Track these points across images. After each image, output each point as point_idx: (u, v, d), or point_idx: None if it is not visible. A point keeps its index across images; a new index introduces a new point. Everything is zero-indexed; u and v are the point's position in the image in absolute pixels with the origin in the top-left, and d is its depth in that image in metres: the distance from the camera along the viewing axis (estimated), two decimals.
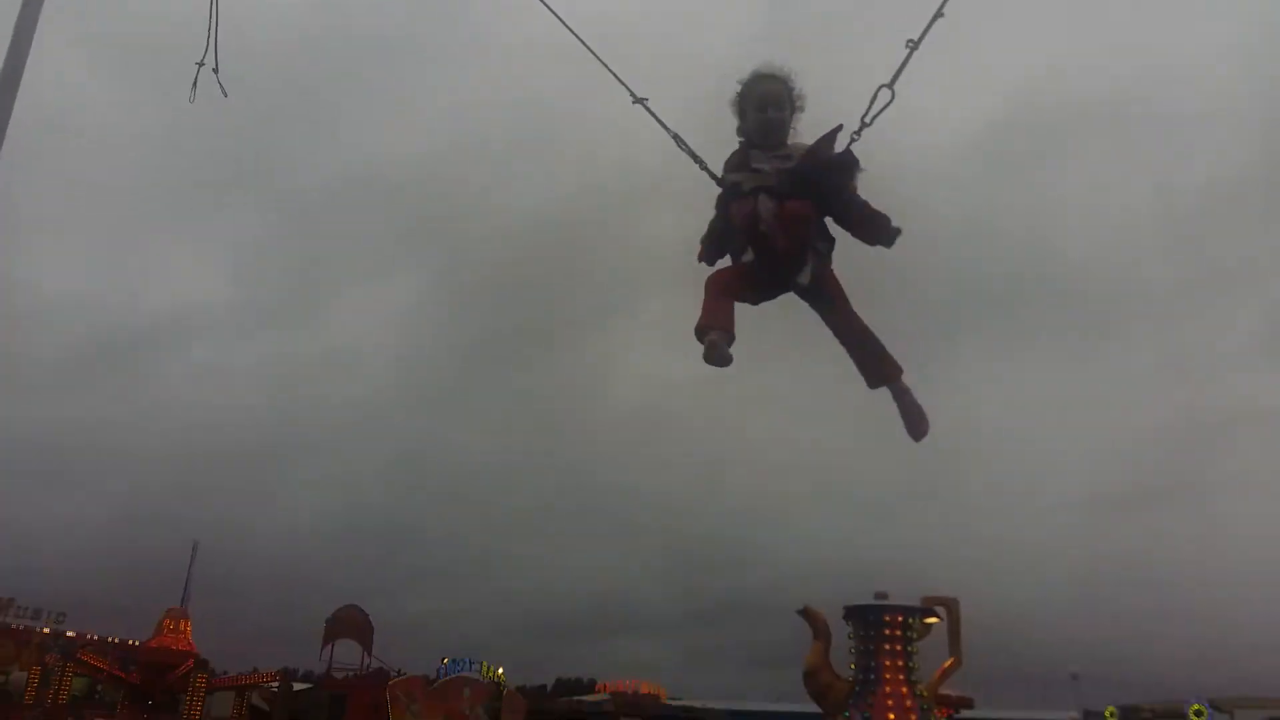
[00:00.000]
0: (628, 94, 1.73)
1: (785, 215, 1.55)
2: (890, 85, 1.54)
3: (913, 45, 1.55)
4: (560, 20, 1.86)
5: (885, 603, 8.84)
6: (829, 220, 1.62)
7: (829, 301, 1.61)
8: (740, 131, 1.69)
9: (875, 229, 1.58)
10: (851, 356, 1.61)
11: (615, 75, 1.74)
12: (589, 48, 1.80)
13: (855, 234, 1.60)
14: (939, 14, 1.55)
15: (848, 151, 1.56)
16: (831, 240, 1.63)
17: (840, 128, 1.58)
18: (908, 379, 1.60)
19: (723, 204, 1.66)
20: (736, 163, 1.66)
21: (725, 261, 1.66)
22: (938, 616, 8.95)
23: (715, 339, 1.51)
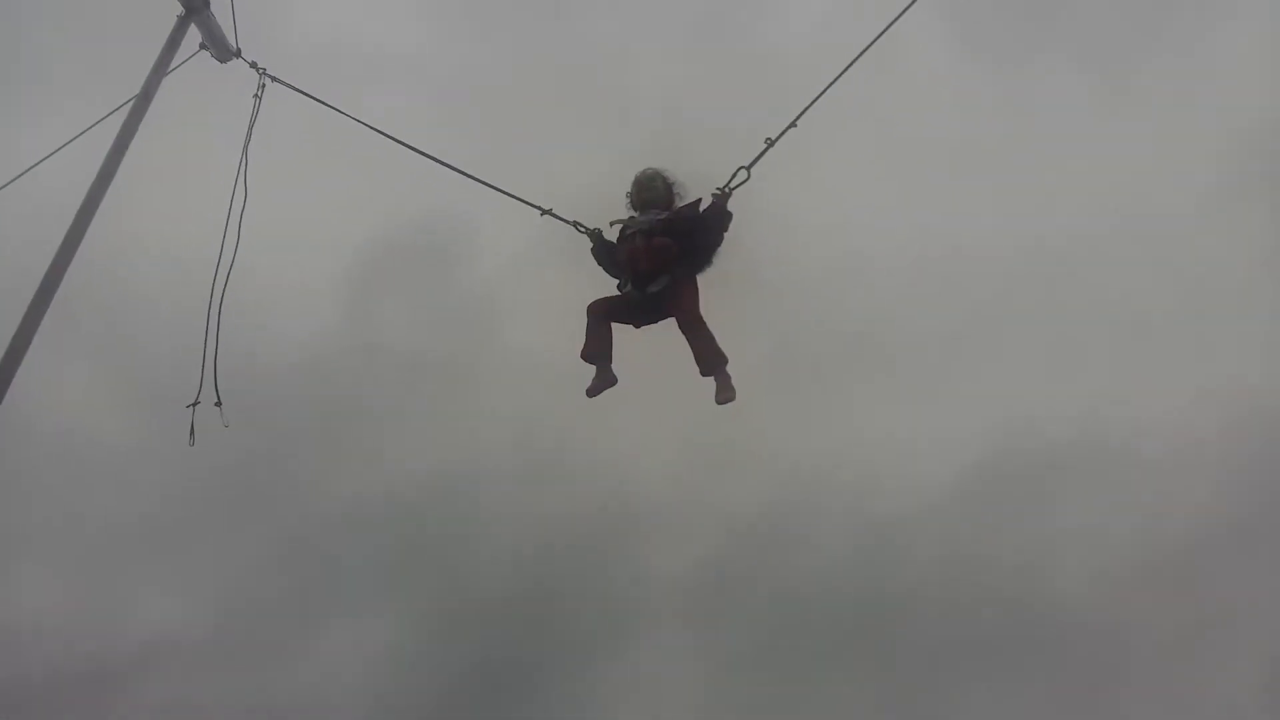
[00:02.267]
0: (535, 210, 2.38)
1: (650, 245, 2.19)
2: (748, 168, 2.20)
3: (770, 142, 2.19)
4: (461, 170, 2.47)
5: None
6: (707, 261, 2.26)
7: (678, 303, 2.16)
8: (628, 208, 2.34)
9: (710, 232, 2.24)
10: (691, 348, 2.14)
11: (518, 198, 2.39)
12: (479, 180, 2.46)
13: (705, 255, 2.24)
14: (793, 124, 2.20)
15: (720, 209, 2.21)
16: (694, 266, 2.22)
17: (699, 200, 2.25)
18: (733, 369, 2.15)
19: (597, 250, 2.33)
20: (622, 223, 2.29)
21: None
22: None
23: (595, 386, 2.22)
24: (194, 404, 2.38)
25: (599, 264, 2.35)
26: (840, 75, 2.23)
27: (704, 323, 2.16)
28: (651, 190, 2.31)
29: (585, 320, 2.26)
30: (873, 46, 2.24)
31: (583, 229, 2.34)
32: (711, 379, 2.15)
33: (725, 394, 2.13)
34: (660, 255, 2.18)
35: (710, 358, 2.13)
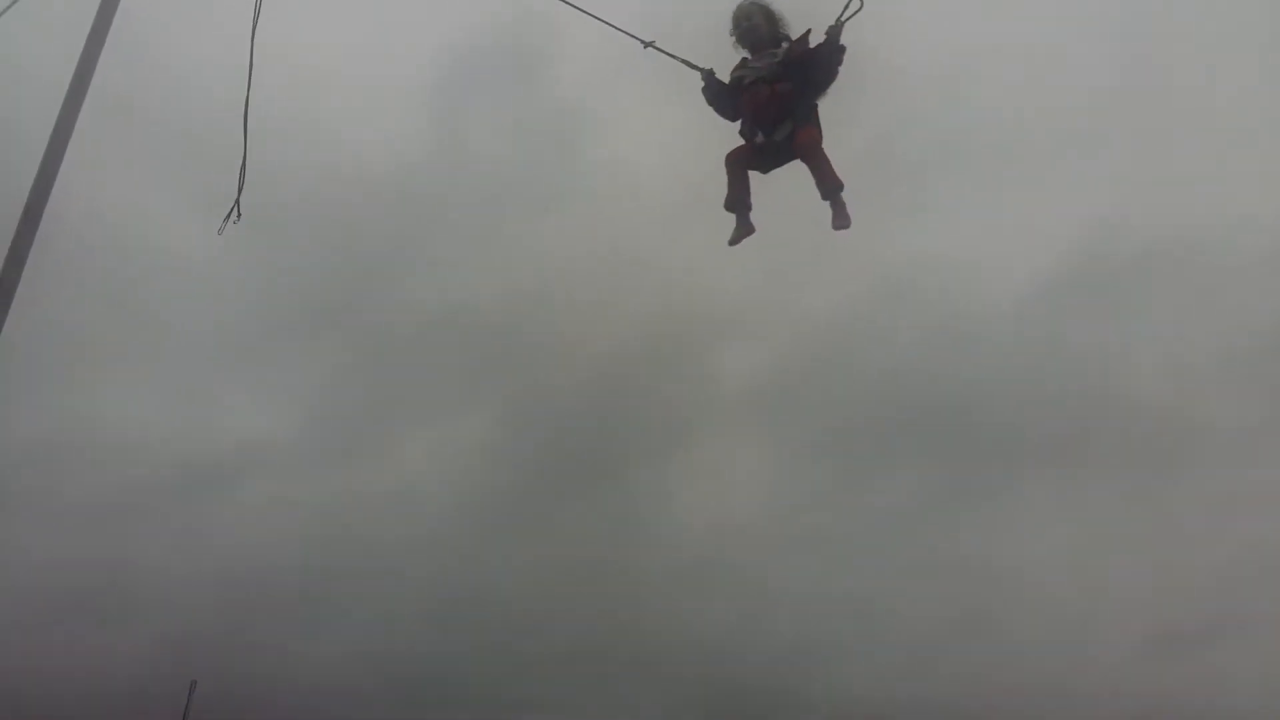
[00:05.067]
0: (638, 43, 2.36)
1: (773, 94, 2.25)
2: None
3: None
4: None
5: None
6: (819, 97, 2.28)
7: (802, 140, 2.22)
8: (735, 46, 2.35)
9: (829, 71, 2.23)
10: (812, 174, 2.21)
11: (619, 28, 2.36)
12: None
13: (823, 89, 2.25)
14: None
15: (834, 44, 2.19)
16: (812, 106, 2.25)
17: (809, 31, 2.26)
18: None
19: (708, 90, 2.35)
20: (737, 67, 2.34)
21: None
22: None
23: (738, 236, 2.33)
24: (231, 213, 2.48)
25: (709, 104, 2.38)
26: None
27: (823, 152, 2.23)
28: (752, 27, 2.33)
29: (725, 171, 2.33)
30: None
31: (694, 67, 2.36)
32: (828, 205, 2.25)
33: (841, 220, 2.23)
34: (784, 103, 2.25)
35: (829, 183, 2.21)
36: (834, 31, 2.21)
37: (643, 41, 2.35)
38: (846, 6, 2.16)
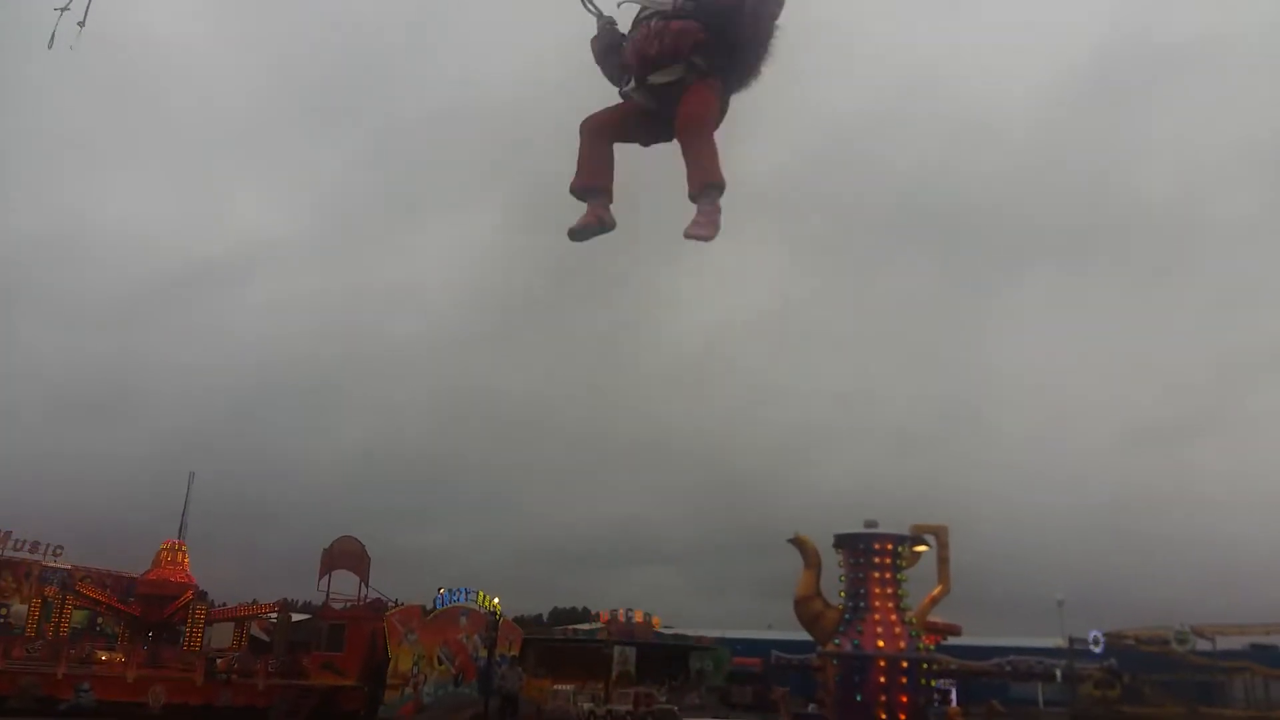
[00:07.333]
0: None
1: (667, 29, 1.64)
2: None
3: None
4: None
5: (874, 531, 8.93)
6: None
7: (686, 100, 1.64)
8: None
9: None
10: (685, 160, 1.66)
11: None
12: None
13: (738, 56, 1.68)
14: None
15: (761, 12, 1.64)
16: (720, 66, 1.67)
17: None
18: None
19: (600, 41, 1.82)
20: (640, 6, 1.75)
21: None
22: (926, 544, 9.04)
23: (582, 225, 1.71)
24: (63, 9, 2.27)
25: (597, 60, 1.83)
26: None
27: (709, 133, 1.64)
28: None
29: (579, 141, 1.73)
30: None
31: (592, 8, 1.84)
32: (695, 205, 1.68)
33: (700, 229, 1.62)
34: (678, 39, 1.64)
35: (702, 175, 1.63)
36: None
37: None
38: None
